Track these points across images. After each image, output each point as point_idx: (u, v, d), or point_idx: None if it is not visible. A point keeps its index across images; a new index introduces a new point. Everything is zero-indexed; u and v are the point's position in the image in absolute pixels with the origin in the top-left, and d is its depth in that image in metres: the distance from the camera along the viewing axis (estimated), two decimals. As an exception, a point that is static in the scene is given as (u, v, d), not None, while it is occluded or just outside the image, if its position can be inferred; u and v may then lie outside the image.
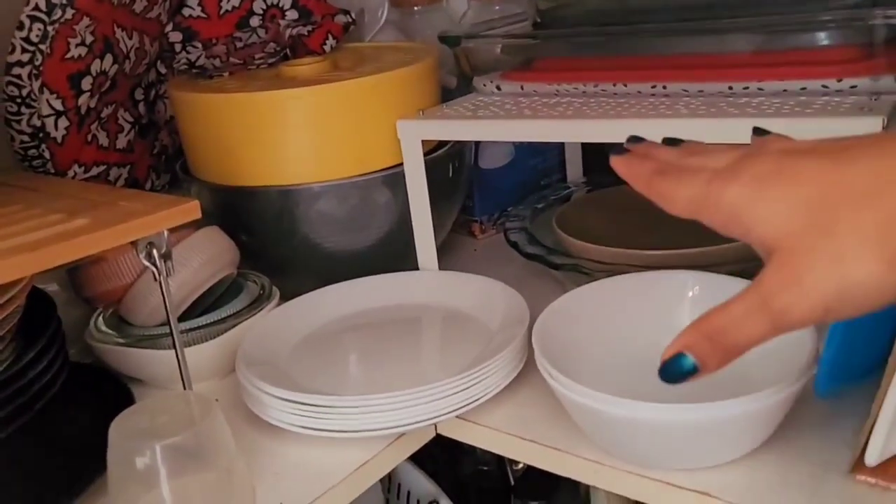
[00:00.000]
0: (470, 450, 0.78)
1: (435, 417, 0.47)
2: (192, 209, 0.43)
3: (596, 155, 0.80)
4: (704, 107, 0.50)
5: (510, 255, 0.65)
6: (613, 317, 0.50)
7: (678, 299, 0.50)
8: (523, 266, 0.66)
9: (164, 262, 0.44)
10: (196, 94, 0.63)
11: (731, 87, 0.52)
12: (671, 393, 0.32)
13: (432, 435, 0.50)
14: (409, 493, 0.71)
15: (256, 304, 0.59)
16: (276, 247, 0.66)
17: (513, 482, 0.68)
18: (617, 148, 0.35)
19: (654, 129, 0.49)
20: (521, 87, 0.64)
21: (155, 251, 0.43)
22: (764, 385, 0.38)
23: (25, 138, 0.57)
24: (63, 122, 0.58)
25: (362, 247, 0.66)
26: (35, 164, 0.58)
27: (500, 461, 0.77)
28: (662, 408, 0.37)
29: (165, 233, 0.43)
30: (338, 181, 0.63)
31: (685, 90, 0.54)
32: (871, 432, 0.37)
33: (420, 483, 0.69)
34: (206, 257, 0.56)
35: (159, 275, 0.44)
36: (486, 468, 0.80)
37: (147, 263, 0.43)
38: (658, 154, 0.34)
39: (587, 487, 0.57)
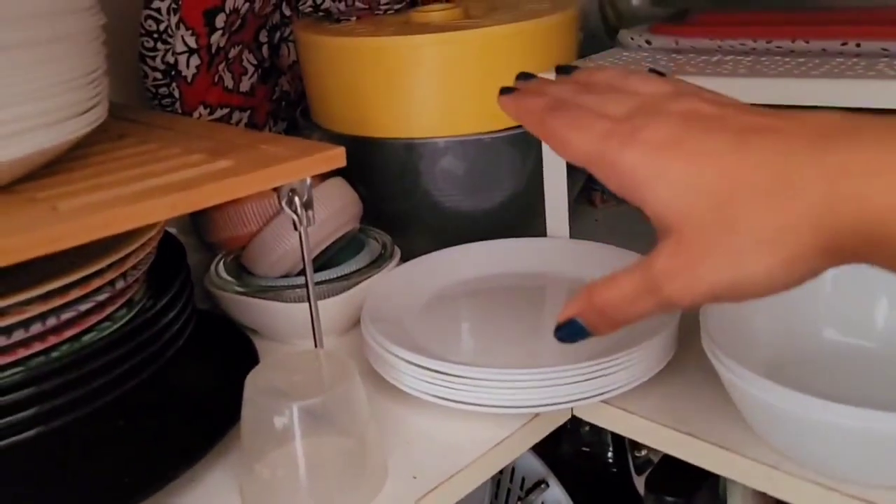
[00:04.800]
0: (573, 429, 0.74)
1: (577, 400, 0.43)
2: (338, 156, 0.40)
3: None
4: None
5: (633, 228, 0.59)
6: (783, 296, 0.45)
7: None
8: (650, 240, 0.60)
9: (306, 210, 0.41)
10: (325, 37, 0.60)
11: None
12: (860, 392, 0.28)
13: (568, 416, 0.47)
14: (513, 469, 0.68)
15: (378, 262, 0.56)
16: (395, 202, 0.63)
17: (633, 469, 0.64)
18: (504, 87, 0.34)
19: (856, 92, 0.42)
20: (676, 43, 0.57)
21: (297, 199, 0.40)
22: None
23: (158, 76, 0.55)
24: (194, 61, 0.56)
25: (484, 209, 0.62)
26: (164, 102, 0.57)
27: (603, 445, 0.73)
28: (874, 415, 0.32)
29: (309, 180, 0.41)
30: (464, 136, 0.59)
31: (885, 49, 0.47)
32: None
33: (529, 462, 0.66)
34: (333, 210, 0.54)
35: (300, 224, 0.41)
36: (587, 450, 0.76)
37: (288, 211, 0.40)
38: (551, 90, 0.32)
39: (724, 485, 0.52)
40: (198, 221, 0.57)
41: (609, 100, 0.30)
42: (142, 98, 0.59)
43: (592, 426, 0.73)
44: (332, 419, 0.39)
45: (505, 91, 0.34)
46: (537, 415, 0.45)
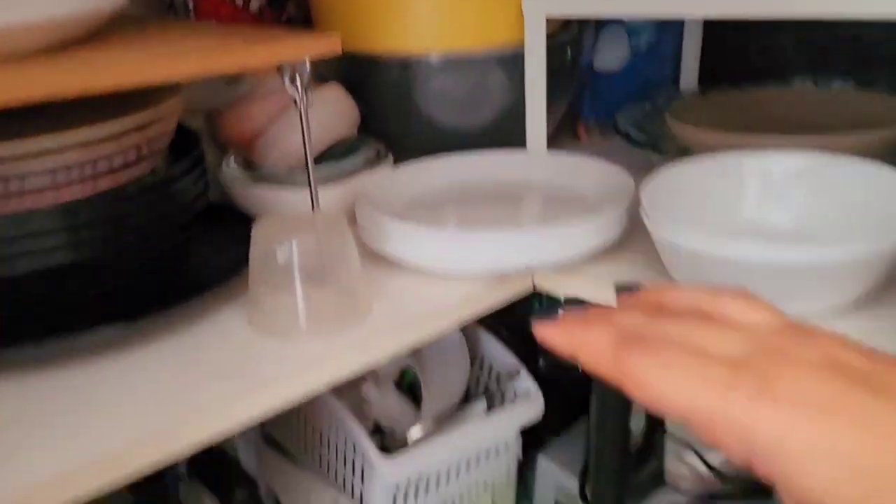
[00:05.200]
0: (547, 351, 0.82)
1: (532, 261, 0.50)
2: (334, 42, 0.47)
3: (714, 61, 0.79)
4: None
5: (615, 160, 0.65)
6: (720, 193, 0.51)
7: (787, 177, 0.51)
8: (630, 168, 0.66)
9: (305, 92, 0.48)
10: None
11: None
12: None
13: (529, 286, 0.53)
14: (491, 366, 0.75)
15: (373, 162, 0.63)
16: (390, 118, 0.69)
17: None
18: (538, 311, 0.28)
19: None
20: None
21: (298, 78, 0.47)
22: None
23: (176, -12, 0.62)
24: (210, -24, 0.62)
25: (474, 125, 0.69)
26: (178, 14, 0.64)
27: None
28: (771, 248, 0.39)
29: (308, 62, 0.47)
30: (456, 54, 0.65)
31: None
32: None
33: (501, 356, 0.73)
34: (331, 111, 0.60)
35: (300, 102, 0.48)
36: (563, 368, 0.83)
37: (291, 90, 0.47)
38: (615, 319, 0.26)
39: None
40: (210, 123, 0.64)
41: (705, 332, 0.24)
42: (155, 12, 0.66)
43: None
44: (326, 269, 0.46)
45: (541, 317, 0.27)
46: (503, 277, 0.52)
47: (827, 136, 0.54)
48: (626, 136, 0.65)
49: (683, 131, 0.62)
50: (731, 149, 0.52)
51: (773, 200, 0.51)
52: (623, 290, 0.28)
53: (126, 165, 0.45)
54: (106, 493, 0.36)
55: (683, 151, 0.59)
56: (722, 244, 0.40)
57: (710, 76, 0.79)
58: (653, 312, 0.26)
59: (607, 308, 0.27)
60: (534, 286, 0.54)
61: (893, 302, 0.43)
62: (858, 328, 0.41)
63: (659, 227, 0.44)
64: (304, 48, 0.46)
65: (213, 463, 0.47)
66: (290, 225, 0.46)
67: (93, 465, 0.36)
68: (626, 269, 0.52)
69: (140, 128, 0.45)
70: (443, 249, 0.50)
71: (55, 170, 0.42)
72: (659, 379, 0.23)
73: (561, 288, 0.52)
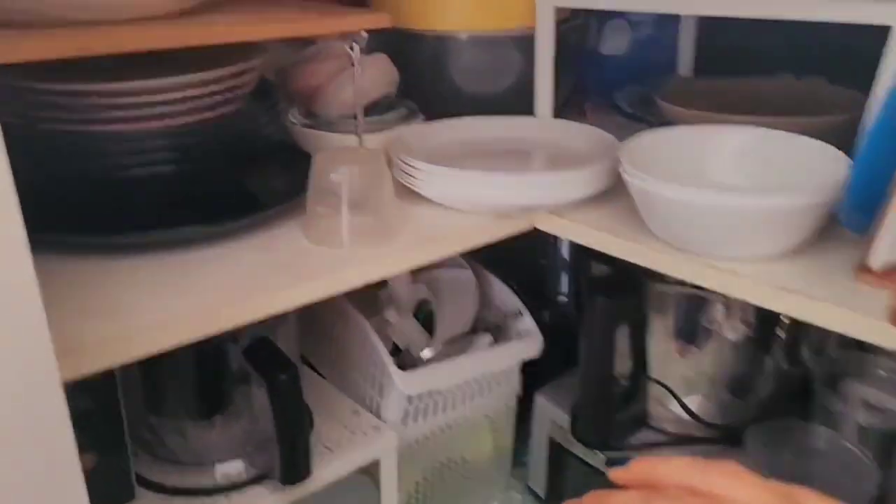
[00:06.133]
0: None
1: (532, 202, 0.63)
2: (384, 18, 0.60)
3: (710, 51, 0.90)
4: None
5: (620, 136, 0.72)
6: (687, 157, 0.63)
7: (748, 150, 0.62)
8: (622, 139, 0.76)
9: (359, 55, 0.61)
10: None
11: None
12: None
13: (528, 224, 0.66)
14: (498, 306, 0.87)
15: (407, 118, 0.76)
16: (424, 83, 0.82)
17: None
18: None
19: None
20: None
21: (356, 45, 0.60)
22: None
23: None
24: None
25: (492, 94, 0.82)
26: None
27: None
28: (721, 195, 0.51)
29: (364, 32, 0.60)
30: (481, 34, 0.78)
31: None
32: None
33: (507, 297, 0.85)
34: (378, 73, 0.73)
35: (356, 63, 0.61)
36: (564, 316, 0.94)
37: (350, 53, 0.60)
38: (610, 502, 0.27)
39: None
40: (282, 78, 0.77)
41: None
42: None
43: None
44: (366, 198, 0.59)
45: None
46: (507, 216, 0.65)
47: (782, 118, 0.65)
48: (621, 111, 0.77)
49: (669, 110, 0.74)
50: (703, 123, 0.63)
51: (731, 166, 0.62)
52: (614, 464, 0.30)
53: (223, 103, 0.59)
54: (195, 341, 0.48)
55: (668, 126, 0.71)
56: (682, 190, 0.52)
57: (705, 65, 0.90)
58: (646, 493, 0.27)
59: (602, 493, 0.29)
60: (533, 226, 0.66)
61: (818, 253, 0.55)
62: (788, 272, 0.53)
63: (633, 177, 0.56)
64: (362, 21, 0.59)
65: (261, 348, 0.61)
66: (342, 157, 0.59)
67: (191, 314, 0.49)
68: (611, 215, 0.64)
69: (236, 75, 0.58)
70: (458, 186, 0.63)
71: (172, 101, 0.55)
72: None
73: (555, 228, 0.65)
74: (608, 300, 0.68)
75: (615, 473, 0.29)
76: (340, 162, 0.58)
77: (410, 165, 0.65)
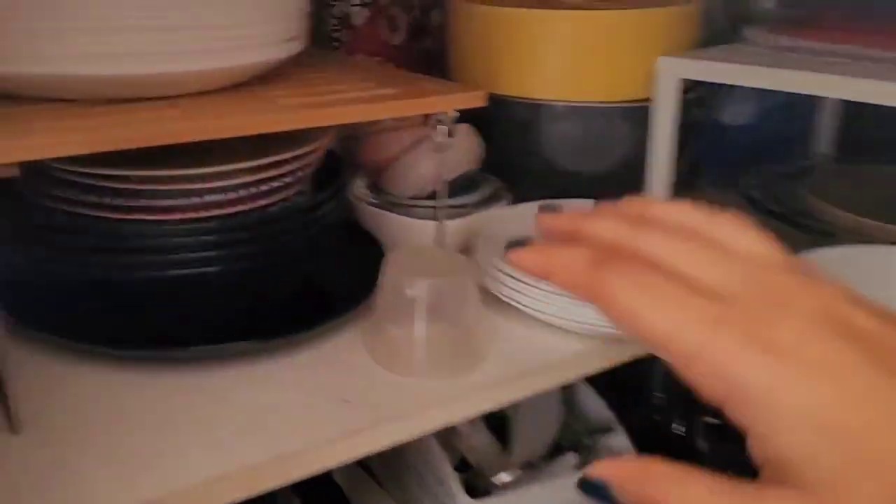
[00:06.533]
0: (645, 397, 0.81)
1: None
2: (479, 97, 0.50)
3: (853, 126, 0.77)
4: None
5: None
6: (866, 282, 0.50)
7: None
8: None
9: (447, 137, 0.50)
10: (476, 6, 0.70)
11: None
12: None
13: (643, 350, 0.54)
14: (585, 418, 0.75)
15: (491, 200, 0.66)
16: (513, 157, 0.71)
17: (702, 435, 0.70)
18: (511, 243, 0.26)
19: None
20: (797, 43, 0.62)
21: (442, 127, 0.50)
22: None
23: (335, 21, 0.66)
24: (364, 13, 0.67)
25: (592, 171, 0.70)
26: (333, 45, 0.68)
27: (671, 413, 0.79)
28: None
29: (453, 112, 0.50)
30: (582, 103, 0.67)
31: None
32: None
33: (597, 407, 0.73)
34: (461, 147, 0.63)
35: (442, 144, 0.51)
36: (657, 419, 0.82)
37: (437, 136, 0.50)
38: (592, 227, 0.23)
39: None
40: (347, 147, 0.68)
41: (694, 254, 0.21)
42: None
43: (664, 394, 0.80)
44: (449, 306, 0.48)
45: (513, 246, 0.26)
46: (615, 339, 0.53)
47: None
48: (750, 199, 0.65)
49: (825, 211, 0.60)
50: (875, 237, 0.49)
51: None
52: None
53: (281, 188, 0.49)
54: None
55: (822, 231, 0.57)
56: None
57: (847, 142, 0.76)
58: (633, 224, 0.23)
59: (584, 214, 0.24)
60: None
61: None
62: None
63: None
64: (452, 102, 0.48)
65: (317, 485, 0.50)
66: (420, 263, 0.49)
67: (227, 477, 0.38)
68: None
69: (298, 157, 0.49)
70: (558, 300, 0.51)
71: (226, 188, 0.46)
72: (635, 303, 0.21)
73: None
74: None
75: (603, 206, 0.25)
76: (417, 271, 0.47)
77: (506, 274, 0.53)
